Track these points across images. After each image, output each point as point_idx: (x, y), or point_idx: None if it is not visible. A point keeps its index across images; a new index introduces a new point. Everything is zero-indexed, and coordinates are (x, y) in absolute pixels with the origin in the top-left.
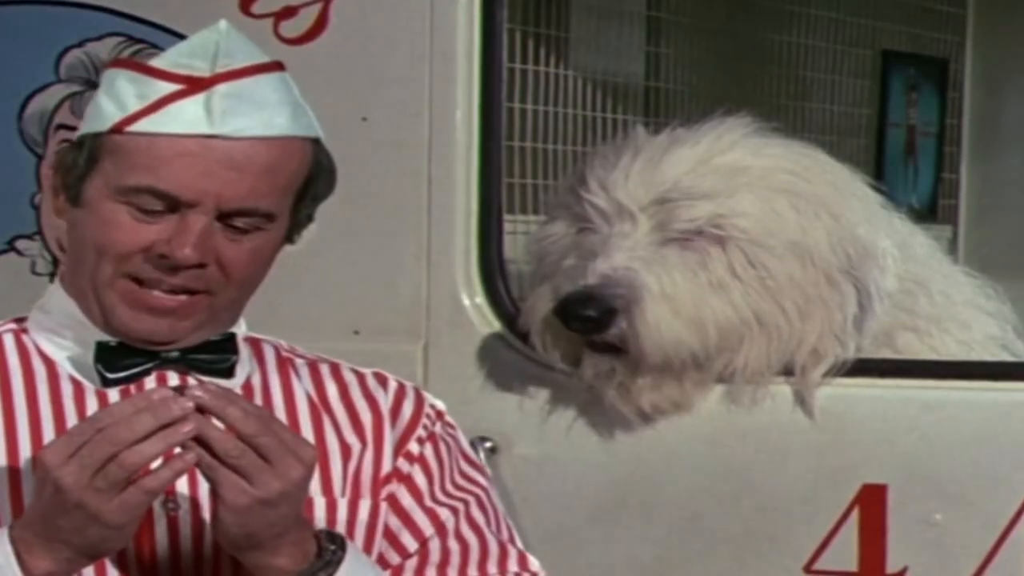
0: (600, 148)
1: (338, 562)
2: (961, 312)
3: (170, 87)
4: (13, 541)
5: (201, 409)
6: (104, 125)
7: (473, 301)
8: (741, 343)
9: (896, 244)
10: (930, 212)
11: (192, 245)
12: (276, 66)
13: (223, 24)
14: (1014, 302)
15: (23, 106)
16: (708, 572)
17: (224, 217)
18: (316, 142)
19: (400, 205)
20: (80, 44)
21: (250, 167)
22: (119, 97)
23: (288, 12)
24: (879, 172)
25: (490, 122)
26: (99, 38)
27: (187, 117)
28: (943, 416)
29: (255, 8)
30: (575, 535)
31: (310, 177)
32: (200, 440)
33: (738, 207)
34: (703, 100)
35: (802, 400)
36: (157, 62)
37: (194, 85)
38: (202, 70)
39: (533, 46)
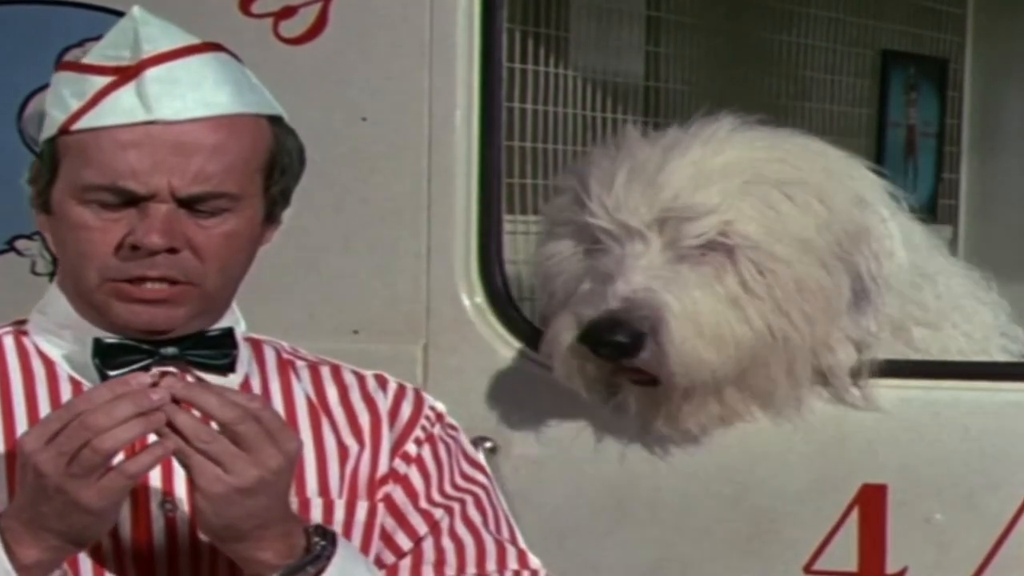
0: (593, 155)
1: (328, 557)
2: (964, 304)
3: (102, 80)
4: (1, 531)
5: (180, 401)
6: (53, 129)
7: (473, 301)
8: (767, 359)
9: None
10: (930, 212)
11: (157, 231)
12: (210, 47)
13: (136, 10)
14: (1014, 301)
15: (23, 106)
16: (708, 572)
17: (184, 204)
18: (274, 120)
19: (400, 205)
20: (80, 44)
21: (196, 149)
22: (61, 100)
23: (288, 12)
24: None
25: (490, 122)
26: (99, 38)
27: (123, 107)
28: (943, 416)
29: (255, 8)
30: (574, 536)
31: (273, 155)
32: (174, 428)
33: (740, 213)
34: (703, 100)
35: (848, 403)
36: (87, 58)
37: (123, 74)
38: (127, 59)
39: (533, 46)
